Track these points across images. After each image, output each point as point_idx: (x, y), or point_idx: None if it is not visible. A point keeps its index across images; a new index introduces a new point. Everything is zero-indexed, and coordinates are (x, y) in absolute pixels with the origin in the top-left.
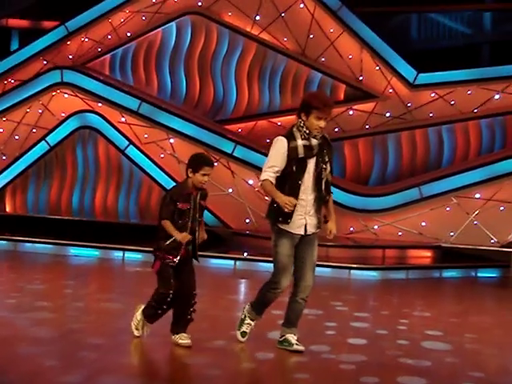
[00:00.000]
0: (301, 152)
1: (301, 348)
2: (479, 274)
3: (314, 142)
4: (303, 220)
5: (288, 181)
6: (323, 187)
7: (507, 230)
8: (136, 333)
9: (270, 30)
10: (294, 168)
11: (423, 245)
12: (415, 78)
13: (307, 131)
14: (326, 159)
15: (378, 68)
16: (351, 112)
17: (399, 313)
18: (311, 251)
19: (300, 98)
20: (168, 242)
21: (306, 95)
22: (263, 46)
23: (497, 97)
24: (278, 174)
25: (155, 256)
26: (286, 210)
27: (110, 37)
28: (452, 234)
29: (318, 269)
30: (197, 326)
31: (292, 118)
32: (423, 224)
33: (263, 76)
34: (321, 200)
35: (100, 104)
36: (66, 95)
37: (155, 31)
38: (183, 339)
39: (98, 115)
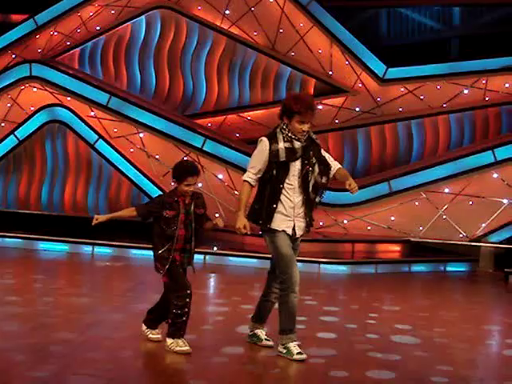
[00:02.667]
0: (282, 156)
1: (270, 343)
2: (448, 269)
3: (297, 144)
4: (291, 222)
5: (269, 184)
6: (310, 189)
7: (476, 224)
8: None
9: (239, 24)
10: (275, 172)
11: (392, 239)
12: (385, 73)
13: (289, 134)
14: (314, 161)
15: (347, 63)
16: (321, 106)
17: (368, 307)
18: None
19: (270, 92)
20: (161, 251)
21: (288, 98)
22: (233, 41)
23: (466, 91)
24: (259, 175)
25: (155, 267)
26: (237, 231)
27: (79, 30)
28: (421, 228)
29: None
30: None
31: (262, 112)
32: (392, 218)
33: (233, 70)
34: (309, 202)
35: (69, 98)
36: (34, 89)
37: (124, 25)
38: (153, 334)
39: (67, 109)
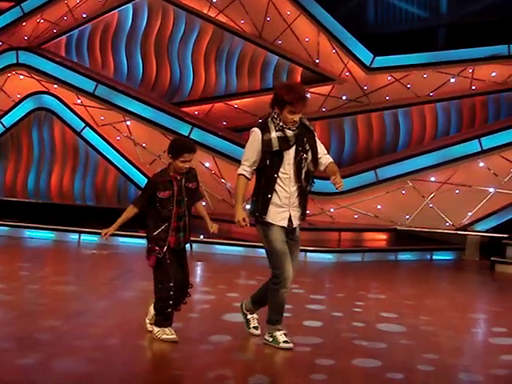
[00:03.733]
0: (275, 145)
1: (257, 332)
2: (434, 257)
3: (290, 133)
4: (287, 212)
5: (263, 174)
6: (303, 177)
7: (462, 213)
8: (149, 328)
9: (226, 12)
10: (269, 162)
11: (379, 228)
12: (372, 62)
13: (281, 123)
14: (307, 147)
15: (334, 51)
16: (308, 95)
17: (355, 295)
18: (296, 251)
19: (257, 80)
20: (157, 232)
21: (279, 88)
22: (220, 29)
23: (452, 80)
24: (255, 167)
25: (148, 249)
26: (236, 225)
27: (65, 18)
28: (407, 216)
29: None
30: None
31: (249, 100)
32: (379, 207)
33: (220, 58)
34: (303, 191)
35: (56, 86)
36: (21, 76)
37: (111, 13)
38: (168, 334)
39: (53, 97)
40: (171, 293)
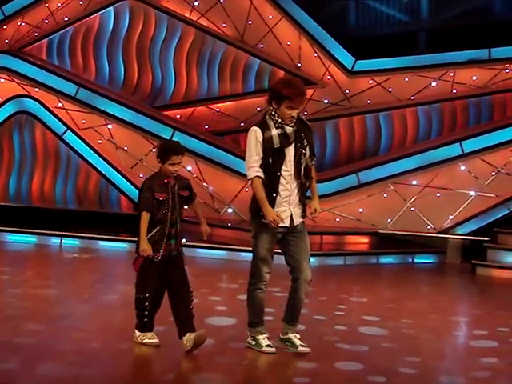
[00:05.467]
0: (276, 142)
1: (306, 350)
2: (416, 260)
3: (289, 129)
4: (288, 212)
5: (266, 173)
6: (302, 173)
7: (443, 216)
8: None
9: (208, 15)
10: (271, 160)
11: (361, 231)
12: (353, 65)
13: (279, 119)
14: (305, 143)
15: (316, 55)
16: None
17: (337, 298)
18: (303, 243)
19: (239, 83)
20: (150, 235)
21: (278, 83)
22: (202, 32)
23: (433, 84)
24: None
25: (137, 253)
26: (270, 225)
27: (47, 21)
28: (389, 220)
29: None
30: (132, 311)
31: (231, 103)
32: (361, 210)
33: (202, 62)
34: (302, 187)
35: (37, 89)
36: (2, 80)
37: (93, 16)
38: (195, 335)
39: (34, 100)
40: (146, 304)
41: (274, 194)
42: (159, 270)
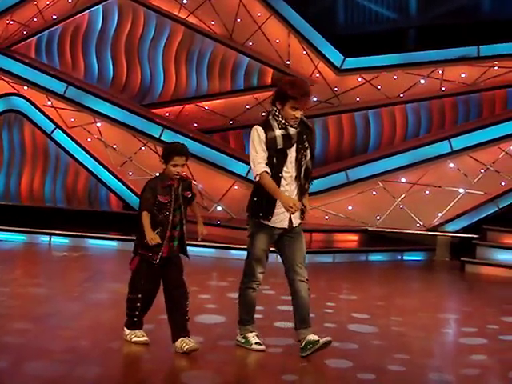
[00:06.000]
0: (280, 143)
1: (328, 339)
2: (405, 258)
3: (292, 130)
4: (286, 213)
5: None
6: (302, 175)
7: (432, 213)
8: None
9: (197, 13)
10: (275, 160)
11: (350, 229)
12: (342, 63)
13: (283, 120)
14: (306, 145)
15: (305, 52)
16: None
17: (326, 296)
18: (299, 243)
19: (227, 81)
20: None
21: (283, 82)
22: (190, 30)
23: (422, 81)
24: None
25: (135, 253)
26: (289, 212)
27: (35, 19)
28: (378, 217)
29: (245, 252)
30: (123, 310)
31: (219, 101)
32: (350, 208)
33: (190, 60)
34: (302, 188)
35: (26, 87)
36: None
37: (81, 14)
38: (188, 344)
39: (23, 99)
40: (138, 304)
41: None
42: (155, 271)
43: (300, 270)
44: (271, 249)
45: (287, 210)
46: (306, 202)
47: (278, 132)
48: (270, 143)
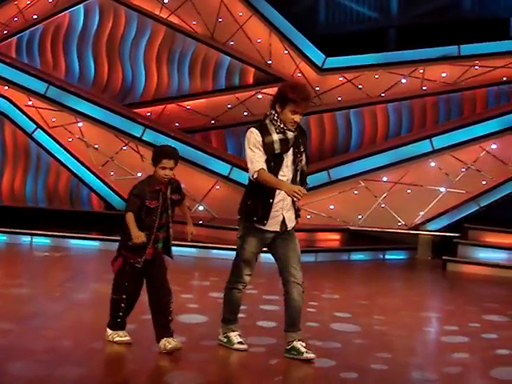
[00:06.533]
0: (277, 148)
1: (311, 356)
2: (387, 257)
3: (291, 134)
4: (280, 216)
5: None
6: (298, 178)
7: (414, 212)
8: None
9: (178, 13)
10: (272, 164)
11: (332, 228)
12: (323, 62)
13: (281, 125)
14: (302, 149)
15: (286, 52)
16: (260, 96)
17: (308, 295)
18: (293, 245)
19: (209, 81)
20: (133, 241)
21: (284, 85)
22: (172, 30)
23: (403, 81)
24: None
25: (118, 254)
26: (295, 198)
27: (16, 19)
28: (360, 216)
29: (228, 252)
30: (105, 310)
31: (201, 101)
32: (332, 207)
33: (172, 59)
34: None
35: (6, 87)
36: None
37: (62, 14)
38: (171, 343)
39: (4, 98)
40: (122, 305)
41: (271, 200)
42: (138, 272)
43: (295, 272)
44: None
45: (293, 197)
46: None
47: (276, 137)
48: (267, 148)
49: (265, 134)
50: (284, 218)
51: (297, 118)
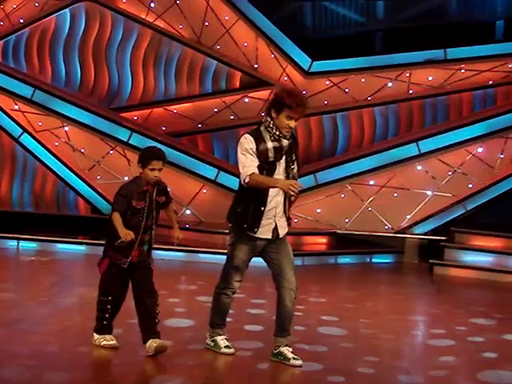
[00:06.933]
0: (271, 155)
1: (298, 363)
2: (374, 260)
3: (285, 142)
4: (272, 224)
5: None
6: None
7: (401, 216)
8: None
9: (165, 17)
10: (265, 172)
11: (319, 231)
12: (310, 66)
13: (277, 132)
14: (294, 157)
15: (273, 56)
16: (247, 100)
17: (295, 299)
18: (286, 251)
19: (196, 85)
20: (120, 241)
21: (281, 91)
22: (158, 34)
23: (390, 84)
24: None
25: (104, 255)
26: (290, 192)
27: (2, 23)
28: (347, 220)
29: (214, 256)
30: (91, 314)
31: (188, 105)
32: (318, 211)
33: (158, 63)
34: (288, 200)
35: None
36: None
37: (49, 18)
38: (157, 342)
39: None
40: (108, 307)
41: (263, 208)
42: (124, 274)
43: (289, 277)
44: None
45: (288, 192)
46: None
47: (270, 144)
48: (261, 155)
49: (259, 142)
50: (276, 226)
51: (292, 123)
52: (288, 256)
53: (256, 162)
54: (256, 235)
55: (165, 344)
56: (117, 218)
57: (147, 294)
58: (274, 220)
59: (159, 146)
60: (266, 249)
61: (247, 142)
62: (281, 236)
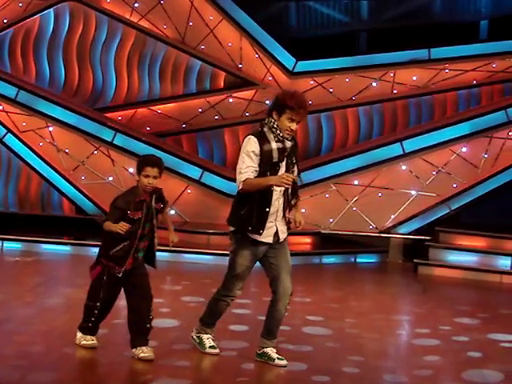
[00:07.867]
0: (275, 156)
1: (283, 363)
2: (358, 260)
3: (288, 144)
4: (274, 228)
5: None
6: (290, 190)
7: (385, 215)
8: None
9: (149, 17)
10: (269, 173)
11: (303, 231)
12: (294, 66)
13: (281, 133)
14: (294, 160)
15: (257, 56)
16: (231, 100)
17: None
18: (285, 256)
19: (180, 85)
20: (115, 250)
21: (282, 93)
22: (143, 34)
23: (374, 84)
24: (256, 175)
25: (97, 262)
26: (284, 185)
27: None
28: (331, 220)
29: (199, 256)
30: (77, 314)
31: (172, 105)
32: (303, 211)
33: (143, 63)
34: (288, 202)
35: None
36: None
37: (32, 18)
38: (145, 352)
39: None
40: (95, 312)
41: (268, 209)
42: (117, 281)
43: (286, 282)
44: (223, 252)
45: (282, 185)
46: (299, 217)
47: (275, 145)
48: (265, 156)
49: (264, 143)
50: (277, 230)
51: (293, 125)
52: (286, 261)
53: (254, 167)
54: (259, 239)
55: (151, 357)
56: (107, 224)
57: (143, 300)
58: (274, 224)
59: (143, 146)
60: (265, 253)
61: (251, 143)
62: (281, 240)
